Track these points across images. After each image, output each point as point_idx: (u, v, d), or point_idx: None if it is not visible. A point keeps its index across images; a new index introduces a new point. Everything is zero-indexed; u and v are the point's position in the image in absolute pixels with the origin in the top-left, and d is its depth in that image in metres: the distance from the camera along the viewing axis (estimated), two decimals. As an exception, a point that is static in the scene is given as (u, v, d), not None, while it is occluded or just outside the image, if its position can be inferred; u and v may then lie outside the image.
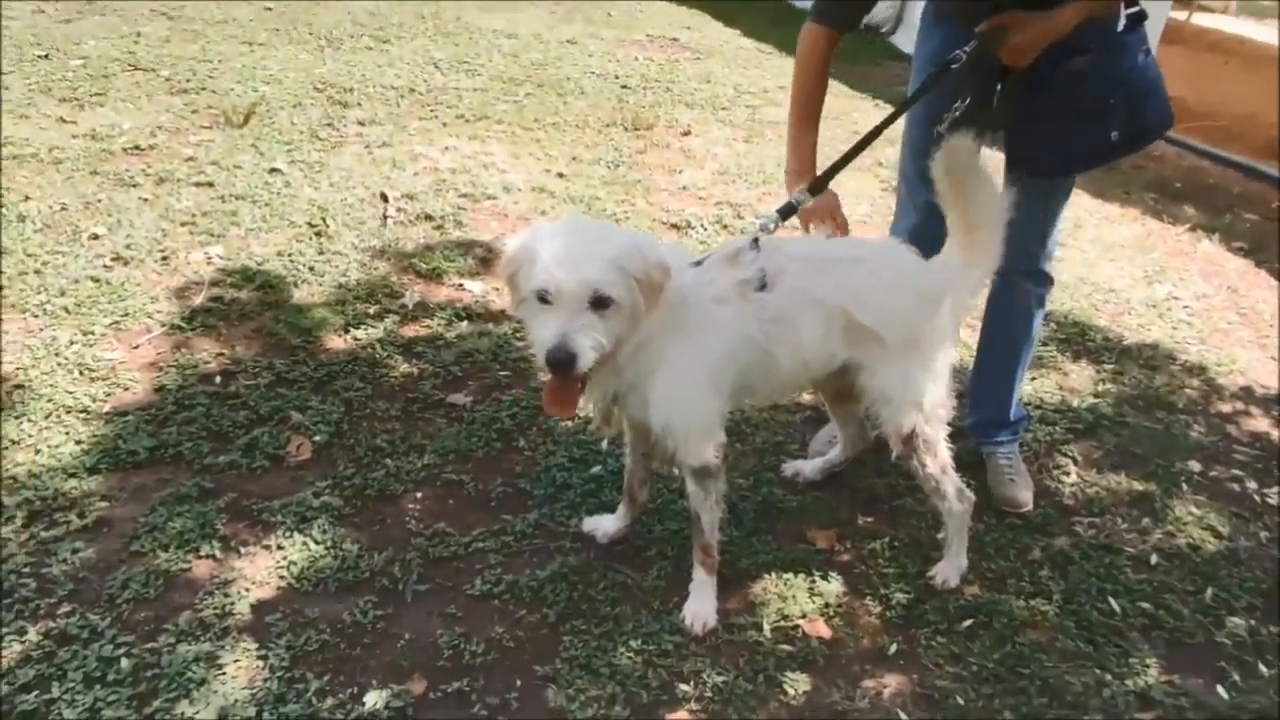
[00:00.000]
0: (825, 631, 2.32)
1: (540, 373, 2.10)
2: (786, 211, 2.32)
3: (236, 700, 1.99)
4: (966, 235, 2.30)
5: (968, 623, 2.36)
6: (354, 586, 2.31)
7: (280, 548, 2.39)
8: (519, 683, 2.12)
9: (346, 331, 3.29)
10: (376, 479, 2.64)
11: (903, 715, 2.12)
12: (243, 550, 2.37)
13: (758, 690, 2.14)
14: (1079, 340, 3.69)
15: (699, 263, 2.27)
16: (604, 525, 2.53)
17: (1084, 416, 3.22)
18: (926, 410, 2.30)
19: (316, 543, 2.41)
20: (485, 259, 3.86)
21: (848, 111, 6.08)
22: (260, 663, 2.09)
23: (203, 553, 2.34)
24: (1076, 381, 3.44)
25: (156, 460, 2.62)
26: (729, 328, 2.14)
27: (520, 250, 1.99)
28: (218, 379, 2.97)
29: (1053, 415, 3.22)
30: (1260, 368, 3.67)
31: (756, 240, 2.22)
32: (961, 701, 2.16)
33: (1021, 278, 2.65)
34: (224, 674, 2.05)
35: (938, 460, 2.37)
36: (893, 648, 2.29)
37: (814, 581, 2.45)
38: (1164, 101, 2.35)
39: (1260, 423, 3.33)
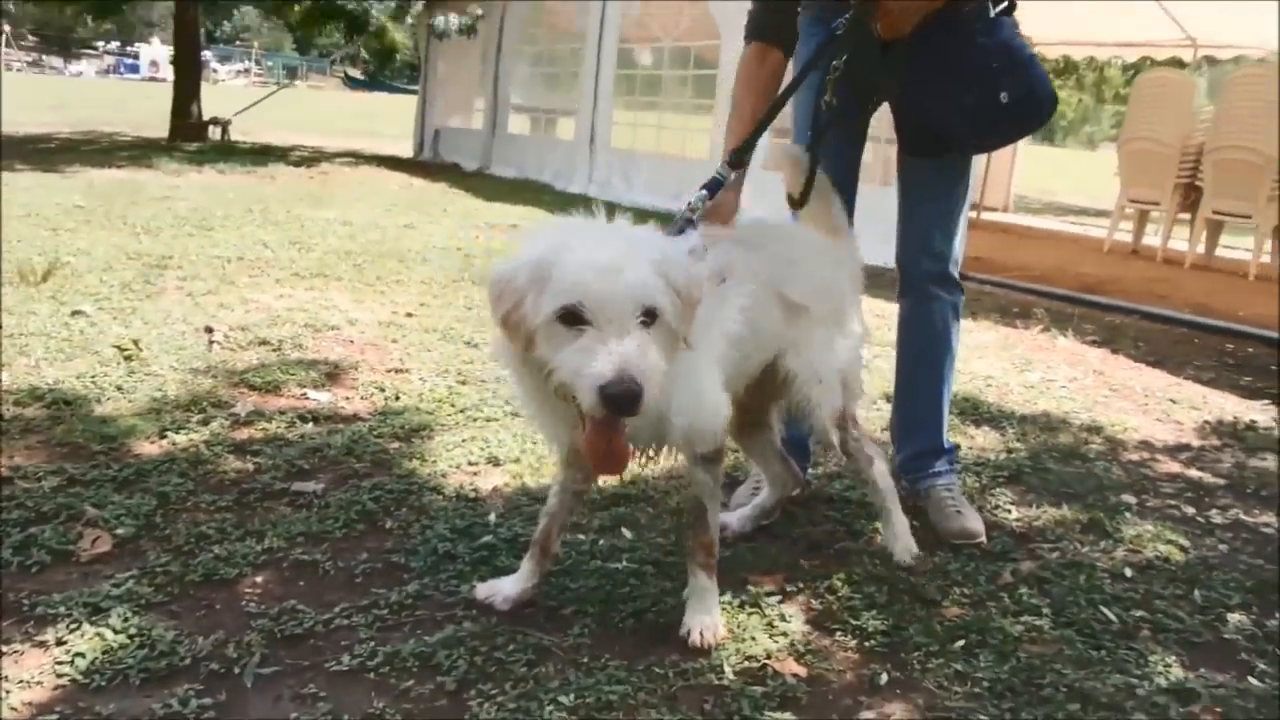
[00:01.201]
0: (799, 669, 1.85)
1: (567, 431, 1.73)
2: (712, 187, 2.09)
3: (-23, 824, 1.31)
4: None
5: (960, 643, 1.95)
6: (168, 677, 1.68)
7: (61, 643, 1.74)
8: (414, 760, 1.52)
9: (162, 437, 2.71)
10: (202, 563, 2.04)
11: (919, 741, 1.65)
12: (6, 650, 1.70)
13: (734, 734, 1.63)
14: (973, 412, 3.54)
15: None
16: (503, 589, 2.00)
17: (1006, 465, 3.00)
18: (852, 386, 2.19)
19: (116, 632, 1.77)
20: (333, 374, 3.40)
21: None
22: (21, 774, 1.42)
23: (-59, 658, 1.66)
24: (985, 443, 3.25)
25: (-115, 567, 1.93)
26: (718, 322, 1.86)
27: (523, 269, 1.54)
28: (-14, 486, 2.32)
29: (975, 467, 2.98)
30: (1151, 427, 3.60)
31: (691, 222, 1.98)
32: (984, 718, 1.72)
33: (934, 286, 2.50)
34: (-40, 794, 1.37)
35: (864, 434, 2.27)
36: (884, 677, 1.84)
37: (771, 622, 2.00)
38: (1045, 77, 2.34)
39: (1172, 466, 3.20)
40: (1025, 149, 15.41)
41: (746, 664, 1.84)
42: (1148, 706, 1.78)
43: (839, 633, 1.99)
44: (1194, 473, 3.14)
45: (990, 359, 4.37)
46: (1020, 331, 4.90)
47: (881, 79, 2.29)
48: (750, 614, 2.02)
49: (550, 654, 1.83)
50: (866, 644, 1.94)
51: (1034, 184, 16.10)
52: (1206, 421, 3.70)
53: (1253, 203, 7.33)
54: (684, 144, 9.53)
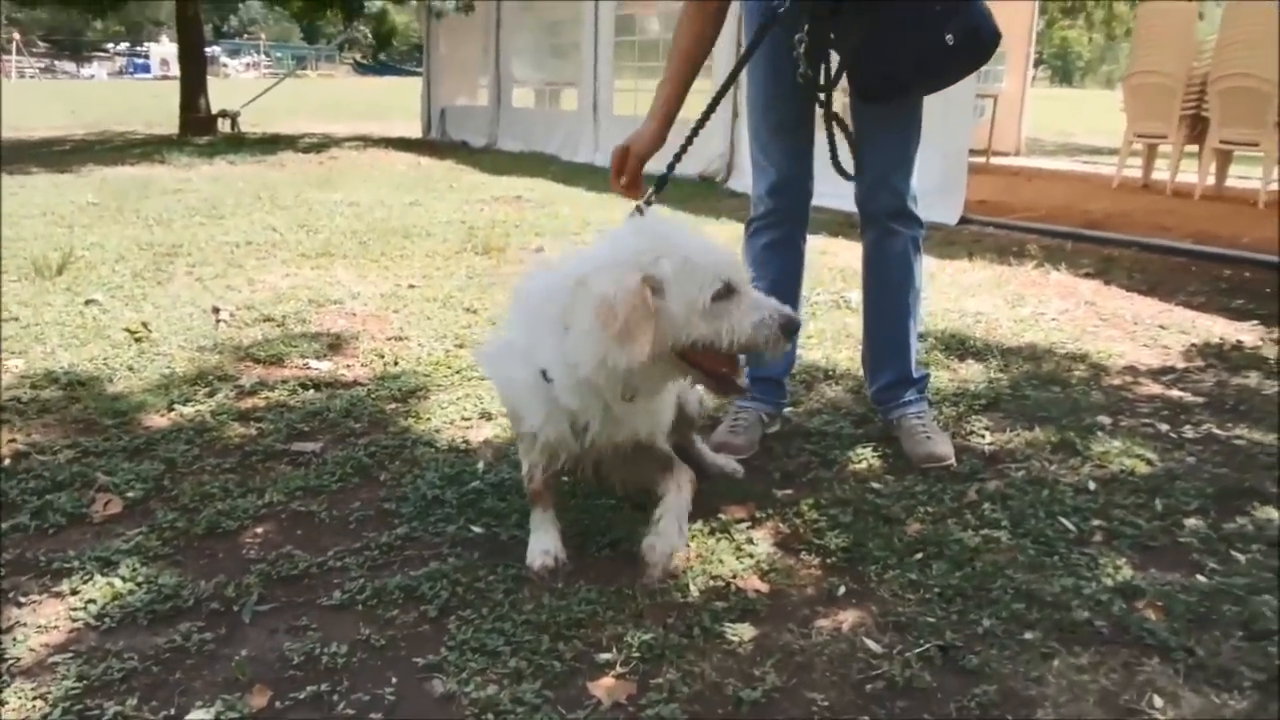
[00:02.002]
0: (761, 586, 1.96)
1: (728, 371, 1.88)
2: (660, 183, 2.21)
3: (0, 743, 1.46)
4: None
5: (918, 555, 2.06)
6: (172, 617, 1.82)
7: (75, 592, 1.89)
8: (394, 679, 1.66)
9: (171, 409, 2.86)
10: (206, 518, 2.18)
11: (869, 642, 1.76)
12: (24, 600, 1.86)
13: (694, 644, 1.75)
14: (959, 347, 3.61)
15: None
16: (547, 545, 2.04)
17: (985, 394, 3.08)
18: None
19: (124, 580, 1.92)
20: (335, 345, 3.53)
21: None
22: (39, 702, 1.56)
23: (-35, 609, 1.82)
24: (967, 374, 3.32)
25: (-85, 536, 2.09)
26: None
27: (634, 278, 1.71)
28: (4, 462, 2.47)
29: (953, 398, 3.06)
30: (1137, 353, 3.66)
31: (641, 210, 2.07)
32: (932, 620, 1.82)
33: (893, 221, 2.57)
34: (-15, 720, 1.52)
35: None
36: (841, 589, 1.95)
37: (739, 545, 2.11)
38: (987, 13, 2.38)
39: (1153, 388, 3.26)
40: (1039, 91, 15.21)
41: (712, 583, 1.96)
42: (1091, 604, 1.88)
43: (803, 552, 2.10)
44: (1174, 393, 3.20)
45: (982, 297, 4.42)
46: (1014, 269, 4.93)
47: (847, 35, 2.33)
48: (719, 540, 2.13)
49: (527, 582, 1.96)
50: (828, 561, 2.05)
51: (1050, 126, 15.92)
52: (1193, 344, 3.74)
53: (1259, 130, 7.25)
54: (686, 106, 9.52)
